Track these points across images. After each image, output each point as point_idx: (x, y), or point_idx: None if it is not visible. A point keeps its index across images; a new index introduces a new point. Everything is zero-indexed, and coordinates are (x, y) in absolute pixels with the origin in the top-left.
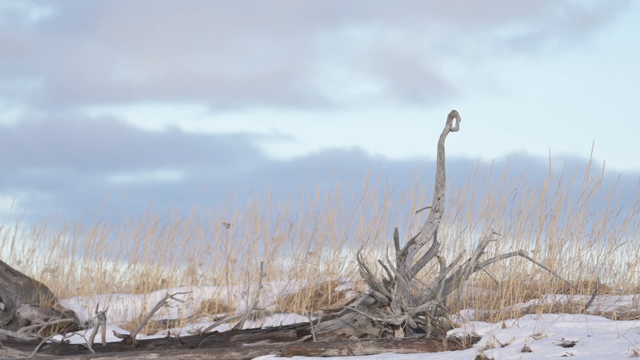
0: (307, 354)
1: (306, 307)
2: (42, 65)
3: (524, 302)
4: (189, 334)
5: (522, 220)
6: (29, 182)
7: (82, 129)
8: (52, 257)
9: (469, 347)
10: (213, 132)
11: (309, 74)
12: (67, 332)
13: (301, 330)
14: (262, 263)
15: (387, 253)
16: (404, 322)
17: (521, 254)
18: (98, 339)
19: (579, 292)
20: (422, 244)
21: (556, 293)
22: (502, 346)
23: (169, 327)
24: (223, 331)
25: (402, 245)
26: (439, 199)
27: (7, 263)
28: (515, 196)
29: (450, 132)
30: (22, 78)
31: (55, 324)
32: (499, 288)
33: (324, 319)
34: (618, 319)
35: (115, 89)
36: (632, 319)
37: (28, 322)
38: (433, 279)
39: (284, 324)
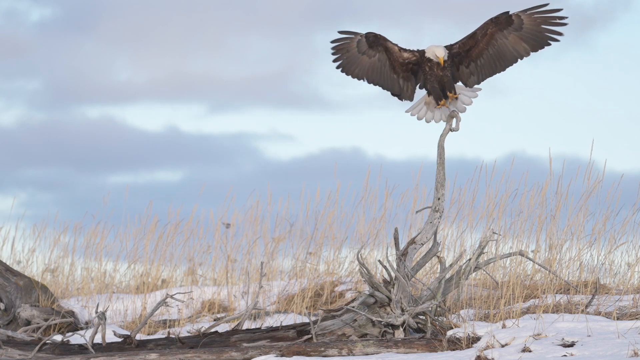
0: (307, 354)
1: (306, 307)
2: (42, 66)
3: (524, 302)
4: (189, 334)
5: (522, 220)
6: (29, 182)
7: (81, 129)
8: (52, 257)
9: (469, 347)
10: (212, 133)
11: (308, 74)
12: (67, 332)
13: (301, 330)
14: (262, 263)
15: (387, 253)
16: (404, 322)
17: (521, 254)
18: (98, 339)
19: (579, 292)
20: (422, 244)
21: (556, 293)
22: (502, 346)
23: (169, 327)
24: (223, 331)
25: (402, 245)
26: (439, 199)
27: (7, 263)
28: (516, 196)
29: (450, 132)
30: (22, 78)
31: (55, 324)
32: (499, 288)
33: (324, 319)
34: (618, 319)
35: (114, 89)
36: (632, 319)
37: (28, 322)
38: (433, 279)
39: (284, 324)
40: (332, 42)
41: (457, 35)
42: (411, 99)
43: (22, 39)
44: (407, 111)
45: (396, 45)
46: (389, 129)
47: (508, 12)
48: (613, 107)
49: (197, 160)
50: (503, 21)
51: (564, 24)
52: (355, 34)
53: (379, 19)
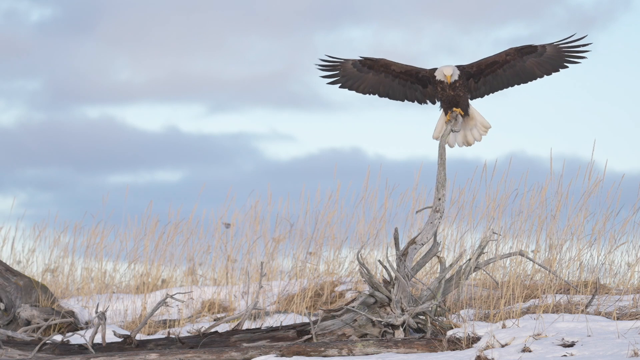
0: (307, 354)
1: (306, 307)
2: (42, 66)
3: (524, 302)
4: (189, 334)
5: (522, 220)
6: (29, 182)
7: (81, 130)
8: (52, 257)
9: (469, 347)
10: (212, 133)
11: (308, 74)
12: (67, 332)
13: (301, 330)
14: (262, 263)
15: (387, 253)
16: (404, 322)
17: (521, 254)
18: (98, 339)
19: (579, 292)
20: (423, 244)
21: (556, 293)
22: (502, 346)
23: (169, 327)
24: (223, 331)
25: (402, 246)
26: (439, 199)
27: (7, 263)
28: (516, 196)
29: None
30: (21, 78)
31: (55, 324)
32: (499, 288)
33: (324, 319)
34: (618, 319)
35: (114, 89)
36: (632, 319)
37: (28, 322)
38: (433, 279)
39: (284, 324)
40: (322, 66)
41: (456, 35)
42: (433, 102)
43: (22, 39)
44: (434, 137)
45: (401, 65)
46: (389, 129)
47: (535, 46)
48: (613, 107)
49: (197, 160)
50: (527, 50)
51: (586, 52)
52: (345, 60)
53: (379, 19)
